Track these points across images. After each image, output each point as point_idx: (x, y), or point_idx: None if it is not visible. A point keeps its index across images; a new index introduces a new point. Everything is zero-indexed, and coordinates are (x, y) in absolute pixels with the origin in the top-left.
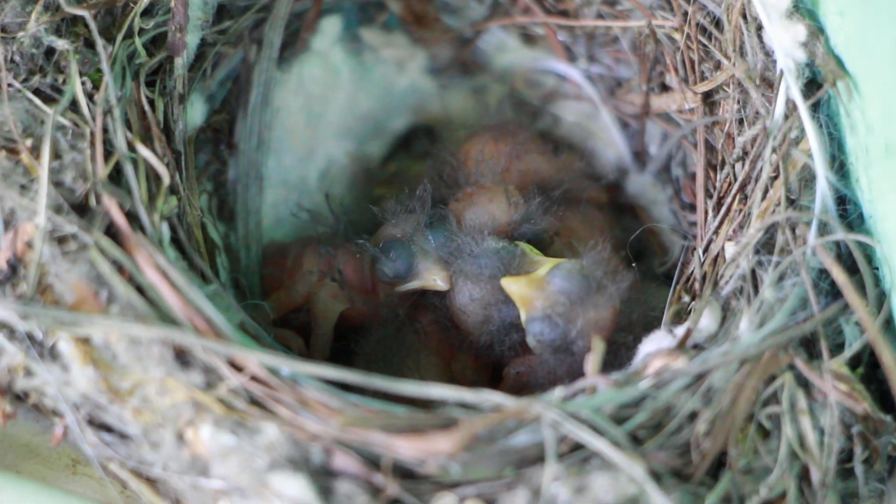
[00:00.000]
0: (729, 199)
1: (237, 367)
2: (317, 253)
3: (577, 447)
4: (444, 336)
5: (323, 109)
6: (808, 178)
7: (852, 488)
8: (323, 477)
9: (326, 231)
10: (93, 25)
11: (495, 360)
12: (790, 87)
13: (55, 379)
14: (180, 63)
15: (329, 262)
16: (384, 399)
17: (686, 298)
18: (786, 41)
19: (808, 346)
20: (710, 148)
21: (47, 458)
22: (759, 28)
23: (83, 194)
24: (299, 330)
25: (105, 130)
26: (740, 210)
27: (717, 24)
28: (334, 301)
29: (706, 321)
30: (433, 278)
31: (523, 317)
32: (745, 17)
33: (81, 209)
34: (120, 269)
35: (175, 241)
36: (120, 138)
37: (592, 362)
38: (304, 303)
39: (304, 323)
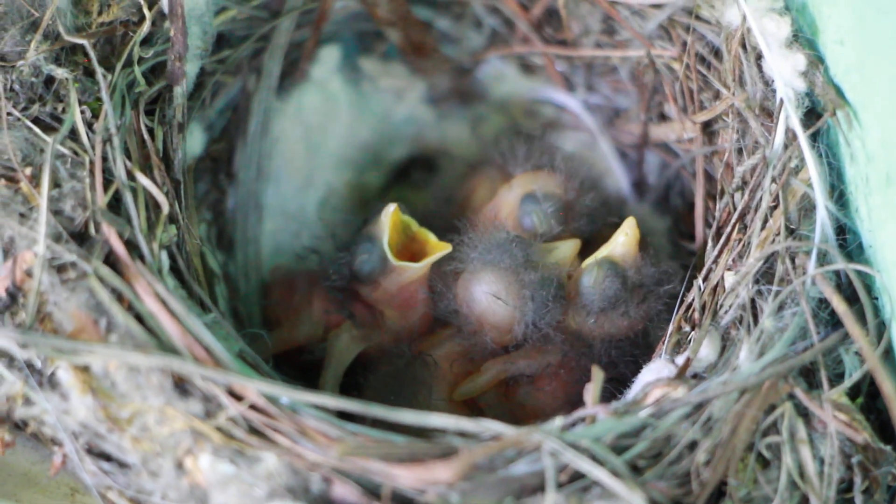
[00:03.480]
0: (728, 229)
1: (236, 396)
2: (326, 294)
3: (577, 476)
4: (461, 364)
5: (322, 138)
6: (807, 208)
7: None
8: None
9: (331, 268)
10: (92, 54)
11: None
12: (790, 117)
13: (54, 407)
14: (179, 92)
15: (339, 303)
16: (384, 429)
17: (686, 328)
18: (785, 70)
19: (808, 376)
20: (709, 177)
21: (46, 486)
22: (759, 57)
23: (82, 223)
24: (304, 370)
25: (104, 159)
26: (739, 240)
27: (717, 53)
28: (353, 343)
29: (706, 350)
30: (385, 214)
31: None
32: (744, 46)
33: (81, 238)
34: (119, 297)
35: (174, 269)
36: (119, 167)
37: (592, 391)
38: (309, 342)
39: (308, 361)
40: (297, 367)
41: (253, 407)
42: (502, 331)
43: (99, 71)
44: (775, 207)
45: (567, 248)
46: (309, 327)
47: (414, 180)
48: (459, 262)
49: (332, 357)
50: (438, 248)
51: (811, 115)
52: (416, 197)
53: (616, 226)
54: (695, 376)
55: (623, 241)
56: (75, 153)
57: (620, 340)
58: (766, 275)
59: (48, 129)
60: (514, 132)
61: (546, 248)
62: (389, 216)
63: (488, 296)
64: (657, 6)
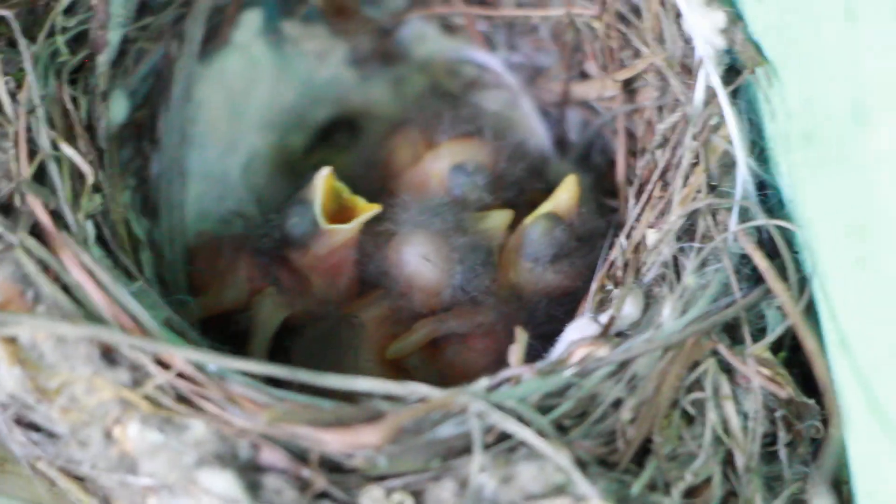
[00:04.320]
0: (650, 187)
1: (164, 365)
2: (252, 259)
3: (504, 437)
4: (389, 325)
5: (245, 102)
6: (728, 165)
7: (777, 472)
8: (251, 472)
9: (256, 232)
10: (15, 25)
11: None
12: (710, 74)
13: None
14: (102, 60)
15: (265, 268)
16: (312, 394)
17: (609, 286)
18: (705, 28)
19: (731, 332)
20: (630, 135)
21: None
22: (678, 16)
23: (7, 194)
24: (232, 336)
25: (28, 130)
26: (661, 197)
27: (637, 12)
28: (277, 309)
29: (629, 308)
30: (319, 179)
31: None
32: (663, 4)
33: (6, 209)
34: (45, 268)
35: (100, 238)
36: (43, 137)
37: (516, 352)
38: (236, 308)
39: (236, 328)
40: (227, 334)
41: (180, 375)
42: (430, 293)
43: (22, 42)
44: (696, 165)
45: (499, 218)
46: (234, 293)
47: (337, 142)
48: (391, 224)
49: (256, 324)
50: (367, 210)
51: (731, 72)
52: (340, 159)
53: (541, 192)
54: (619, 334)
55: (566, 198)
56: (0, 125)
57: (561, 296)
58: (688, 232)
59: None
60: (436, 92)
61: (478, 216)
62: (322, 180)
63: (418, 258)
64: None
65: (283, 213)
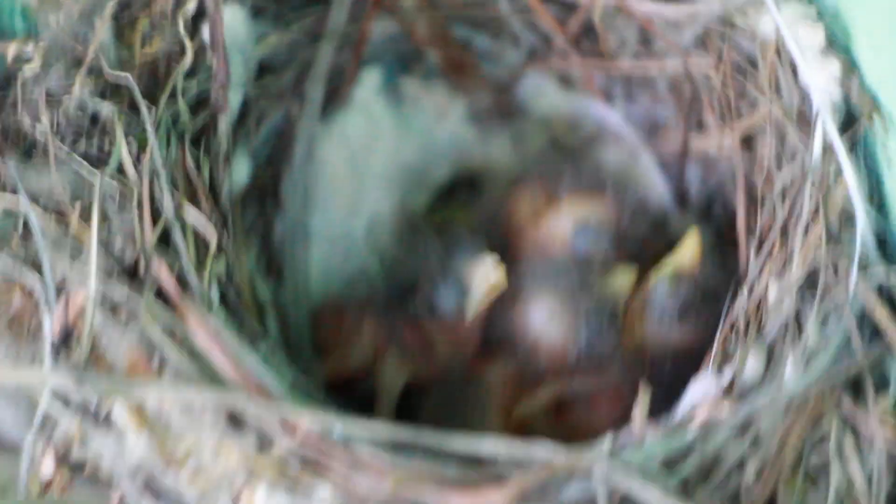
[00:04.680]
0: (770, 241)
1: (290, 428)
2: (376, 321)
3: (628, 499)
4: (513, 387)
5: (366, 161)
6: (848, 217)
7: None
8: None
9: (380, 292)
10: (136, 88)
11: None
12: (827, 124)
13: (110, 447)
14: (224, 122)
15: (389, 330)
16: (438, 457)
17: (731, 342)
18: (821, 78)
19: (854, 389)
20: (749, 188)
21: None
22: (794, 66)
23: (133, 259)
24: (358, 400)
25: (152, 194)
26: (781, 251)
27: (752, 62)
28: (399, 373)
29: (751, 365)
30: (484, 272)
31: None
32: (779, 54)
33: (131, 275)
34: (171, 333)
35: (224, 301)
36: (167, 201)
37: (640, 411)
38: (361, 371)
39: (362, 391)
40: (352, 399)
41: (306, 439)
42: (556, 354)
43: (143, 105)
44: (816, 217)
45: (624, 276)
46: (360, 356)
47: (458, 200)
48: (516, 284)
49: (381, 388)
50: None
51: (849, 122)
52: (461, 217)
53: (663, 247)
54: (741, 392)
55: (690, 254)
56: (123, 188)
57: (687, 353)
58: (809, 286)
59: (96, 164)
60: (555, 147)
61: (604, 275)
62: (488, 277)
63: (543, 318)
64: (692, 17)
65: (429, 283)
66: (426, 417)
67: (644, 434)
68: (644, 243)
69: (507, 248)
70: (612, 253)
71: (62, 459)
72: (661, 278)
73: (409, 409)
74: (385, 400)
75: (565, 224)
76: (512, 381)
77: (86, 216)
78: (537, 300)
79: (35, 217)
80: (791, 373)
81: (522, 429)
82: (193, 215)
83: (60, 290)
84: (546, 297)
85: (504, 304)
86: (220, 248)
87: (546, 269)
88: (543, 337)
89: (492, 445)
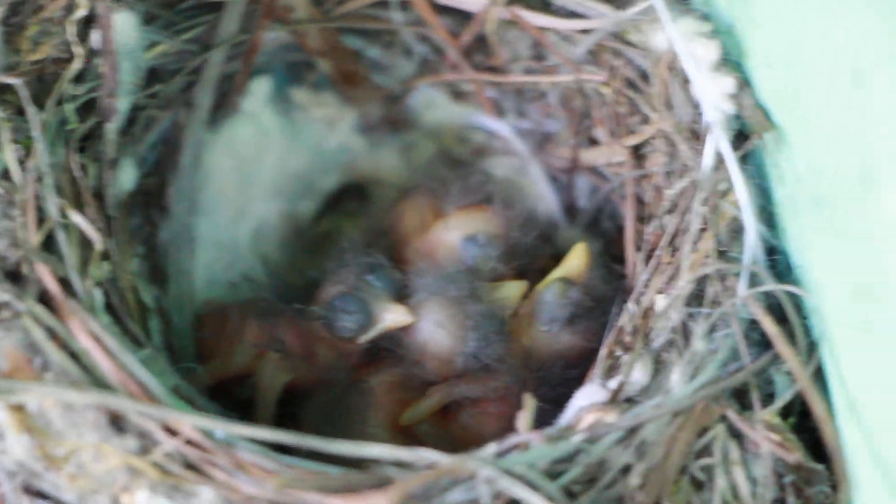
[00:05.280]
0: (659, 252)
1: (172, 431)
2: (257, 323)
3: (513, 503)
4: (399, 392)
5: (254, 170)
6: (737, 230)
7: None
8: None
9: (263, 297)
10: (23, 92)
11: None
12: (718, 140)
13: None
14: (111, 128)
15: (270, 331)
16: (320, 460)
17: (618, 352)
18: (713, 93)
19: (740, 397)
20: (639, 201)
21: None
22: (686, 81)
23: (15, 262)
24: (241, 402)
25: (37, 197)
26: (670, 262)
27: (645, 77)
28: (278, 373)
29: (638, 374)
30: (395, 316)
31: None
32: (671, 69)
33: (14, 277)
34: (54, 335)
35: (108, 305)
36: (52, 205)
37: (525, 418)
38: (242, 373)
39: (244, 393)
40: (235, 401)
41: (188, 442)
42: (443, 361)
43: (30, 110)
44: (705, 230)
45: (514, 288)
46: (241, 358)
47: (346, 209)
48: (405, 292)
49: (260, 388)
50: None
51: (740, 137)
52: (349, 225)
53: (551, 258)
54: (627, 400)
55: (577, 264)
56: (8, 192)
57: (576, 359)
58: (697, 297)
59: None
60: (445, 159)
61: (493, 285)
62: (396, 321)
63: (432, 325)
64: (585, 31)
65: (335, 303)
66: (307, 420)
67: (529, 439)
68: (532, 254)
69: (393, 256)
70: (501, 265)
71: None
72: (549, 285)
73: (290, 414)
74: (265, 399)
75: (453, 236)
76: (397, 386)
77: None
78: (426, 307)
79: None
80: (677, 382)
81: (407, 434)
82: (78, 219)
83: None
84: (434, 304)
85: None
86: (104, 252)
87: (434, 277)
88: (431, 343)
89: (376, 450)
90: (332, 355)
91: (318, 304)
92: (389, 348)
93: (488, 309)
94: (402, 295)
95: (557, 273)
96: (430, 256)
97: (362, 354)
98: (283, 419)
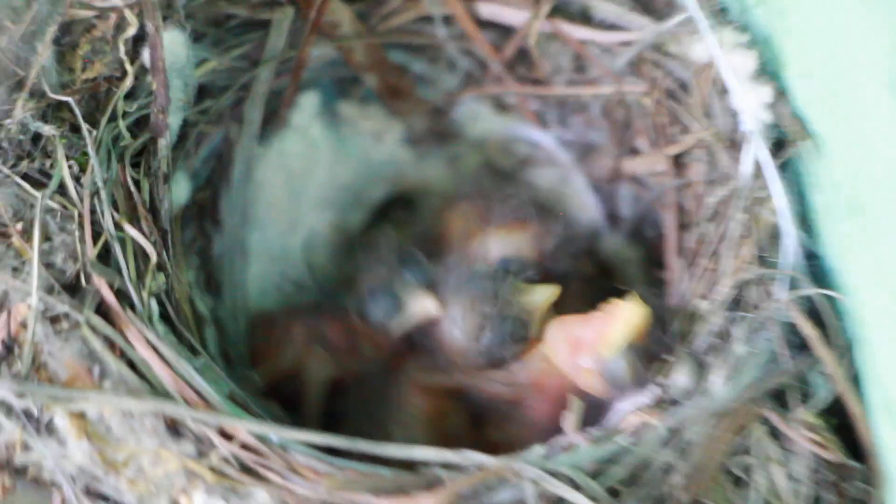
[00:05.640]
0: (701, 259)
1: (227, 436)
2: (303, 323)
3: (558, 502)
4: (431, 385)
5: (304, 182)
6: (776, 236)
7: None
8: None
9: (310, 301)
10: (77, 110)
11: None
12: (757, 149)
13: (52, 453)
14: (163, 144)
15: (315, 330)
16: (371, 461)
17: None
18: (752, 103)
19: (780, 399)
20: (680, 209)
21: None
22: (725, 91)
23: (73, 274)
24: (289, 397)
25: (93, 212)
26: (711, 269)
27: (685, 88)
28: (323, 369)
29: (681, 377)
30: (422, 305)
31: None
32: (711, 80)
33: (72, 289)
34: (111, 345)
35: (164, 315)
36: (107, 219)
37: (571, 420)
38: (292, 371)
39: (295, 391)
40: (284, 398)
41: (243, 446)
42: (457, 355)
43: (84, 126)
44: (745, 237)
45: (542, 294)
46: (289, 356)
47: (394, 219)
48: (436, 285)
49: (307, 384)
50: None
51: (778, 145)
52: (397, 235)
53: (592, 267)
54: (671, 402)
55: (638, 326)
56: (64, 207)
57: None
58: (738, 302)
59: (37, 184)
60: (489, 169)
61: (523, 288)
62: (423, 310)
63: (449, 320)
64: (626, 43)
65: (367, 291)
66: (351, 414)
67: (574, 441)
68: (573, 263)
69: (439, 263)
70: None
71: (5, 464)
72: (616, 355)
73: (336, 405)
74: (312, 394)
75: (491, 252)
76: (421, 374)
77: (28, 234)
78: (447, 303)
79: None
80: (719, 383)
81: (441, 422)
82: (133, 233)
83: (2, 304)
84: (454, 300)
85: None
86: (159, 264)
87: (463, 275)
88: (447, 337)
89: (425, 452)
90: (372, 349)
91: (354, 294)
92: (422, 342)
93: (510, 312)
94: (432, 286)
95: (618, 332)
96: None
97: (399, 346)
98: (329, 414)
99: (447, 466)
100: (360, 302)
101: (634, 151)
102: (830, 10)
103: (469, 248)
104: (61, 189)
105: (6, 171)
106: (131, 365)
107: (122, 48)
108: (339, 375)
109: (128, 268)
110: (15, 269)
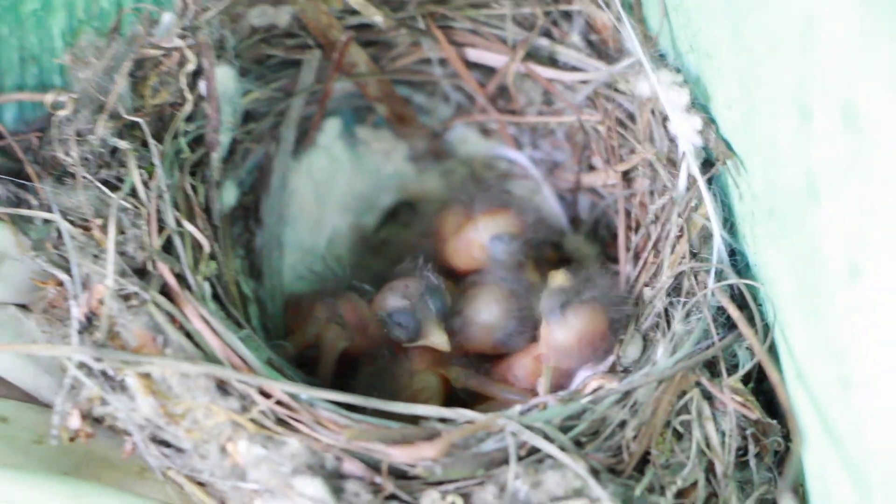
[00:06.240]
0: (645, 254)
1: (266, 395)
2: (324, 303)
3: (534, 451)
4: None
5: (328, 191)
6: (706, 236)
7: (748, 477)
8: (335, 479)
9: (331, 286)
10: (147, 129)
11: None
12: (690, 166)
13: (124, 406)
14: (216, 157)
15: (333, 309)
16: (380, 416)
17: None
18: (686, 130)
19: (711, 368)
20: (628, 214)
21: (121, 467)
22: (665, 120)
23: (142, 261)
24: (311, 362)
25: (158, 211)
26: (654, 262)
27: (632, 117)
28: (338, 339)
29: (631, 350)
30: (436, 340)
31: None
32: (653, 111)
33: (141, 273)
34: (172, 319)
35: (215, 296)
36: (170, 217)
37: (543, 383)
38: (315, 342)
39: (315, 357)
40: (306, 362)
41: (279, 402)
42: (486, 331)
43: (152, 142)
44: (681, 236)
45: (560, 276)
46: (312, 329)
47: (400, 220)
48: (449, 318)
49: (322, 351)
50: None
51: (707, 164)
52: (402, 233)
53: (559, 256)
54: (623, 370)
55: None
56: (135, 207)
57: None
58: (675, 289)
59: (114, 188)
60: (475, 181)
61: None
62: (437, 343)
63: (488, 301)
64: (585, 82)
65: (392, 314)
66: (359, 381)
67: (546, 401)
68: (544, 252)
69: (435, 254)
70: (523, 257)
71: (86, 415)
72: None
73: (346, 373)
74: (326, 359)
75: (481, 235)
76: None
77: (105, 228)
78: (489, 289)
79: (65, 228)
80: (661, 355)
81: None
82: (190, 228)
83: (85, 284)
84: (497, 287)
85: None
86: (211, 254)
87: (495, 273)
88: (481, 314)
89: (425, 409)
90: (379, 331)
91: (381, 308)
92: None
93: (533, 295)
94: (447, 319)
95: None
96: (463, 252)
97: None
98: (340, 379)
99: (443, 420)
100: (385, 319)
101: (591, 168)
102: (747, 54)
103: (460, 240)
104: (133, 192)
105: (89, 177)
106: (188, 335)
107: (183, 80)
108: (351, 348)
109: (186, 256)
110: (95, 256)
